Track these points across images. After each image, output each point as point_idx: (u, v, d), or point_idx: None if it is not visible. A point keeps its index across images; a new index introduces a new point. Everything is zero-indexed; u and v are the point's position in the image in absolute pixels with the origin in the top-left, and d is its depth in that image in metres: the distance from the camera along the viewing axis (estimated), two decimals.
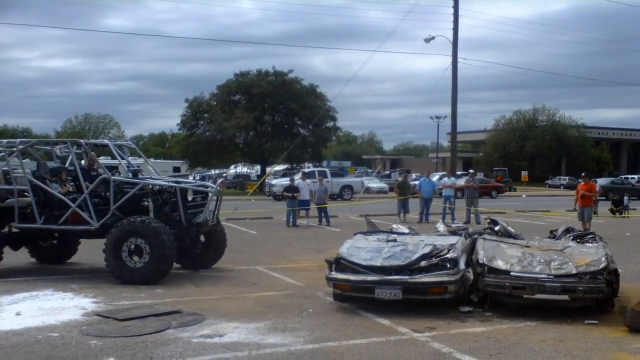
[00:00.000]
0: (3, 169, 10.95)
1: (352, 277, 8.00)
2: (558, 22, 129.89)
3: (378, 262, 8.06)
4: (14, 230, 10.96)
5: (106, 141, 12.84)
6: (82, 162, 11.69)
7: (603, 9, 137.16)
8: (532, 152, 68.40)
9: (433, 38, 34.80)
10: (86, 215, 10.18)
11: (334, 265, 8.27)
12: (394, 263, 8.01)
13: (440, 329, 7.09)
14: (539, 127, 70.68)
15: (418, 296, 7.81)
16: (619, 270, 8.22)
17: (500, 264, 8.02)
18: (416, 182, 24.64)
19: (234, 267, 11.49)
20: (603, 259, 7.94)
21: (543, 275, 7.69)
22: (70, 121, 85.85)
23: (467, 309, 7.90)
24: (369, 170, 69.11)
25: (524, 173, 58.05)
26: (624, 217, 25.12)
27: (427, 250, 8.21)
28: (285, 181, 34.40)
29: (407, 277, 7.80)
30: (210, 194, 10.75)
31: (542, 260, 8.00)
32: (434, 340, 6.66)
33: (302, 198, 20.50)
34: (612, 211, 25.45)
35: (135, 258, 9.68)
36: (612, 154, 75.85)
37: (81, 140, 11.35)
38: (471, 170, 25.48)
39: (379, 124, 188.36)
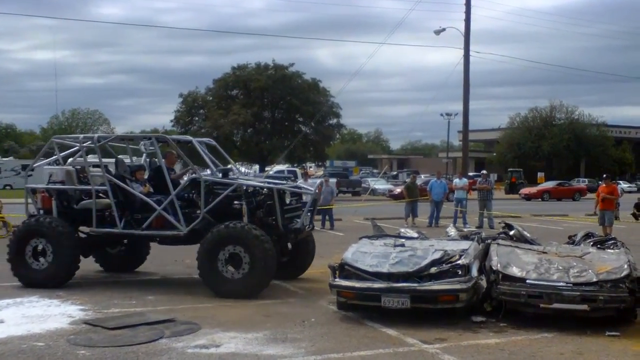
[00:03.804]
0: (76, 167, 10.51)
1: (357, 284, 8.00)
2: (580, 13, 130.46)
3: (385, 269, 8.05)
4: (82, 235, 10.57)
5: (189, 137, 12.12)
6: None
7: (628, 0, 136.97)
8: (548, 152, 68.44)
9: (444, 30, 34.81)
10: (173, 219, 9.82)
11: (337, 272, 8.27)
12: (402, 269, 8.01)
13: (451, 340, 7.09)
14: (557, 126, 70.73)
15: (427, 305, 7.81)
16: None
17: (515, 271, 8.01)
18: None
19: None
20: (625, 266, 7.93)
21: (561, 284, 7.68)
22: (57, 117, 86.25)
23: (479, 318, 7.88)
24: (375, 171, 69.19)
25: (540, 174, 58.05)
26: None
27: (437, 256, 8.21)
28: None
29: (415, 285, 7.80)
30: (306, 197, 10.41)
31: (560, 267, 8.00)
32: (445, 352, 6.66)
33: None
34: (635, 216, 25.39)
35: (232, 268, 9.24)
36: (635, 154, 75.80)
37: (167, 137, 10.89)
38: (484, 172, 25.48)
39: (385, 121, 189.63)
